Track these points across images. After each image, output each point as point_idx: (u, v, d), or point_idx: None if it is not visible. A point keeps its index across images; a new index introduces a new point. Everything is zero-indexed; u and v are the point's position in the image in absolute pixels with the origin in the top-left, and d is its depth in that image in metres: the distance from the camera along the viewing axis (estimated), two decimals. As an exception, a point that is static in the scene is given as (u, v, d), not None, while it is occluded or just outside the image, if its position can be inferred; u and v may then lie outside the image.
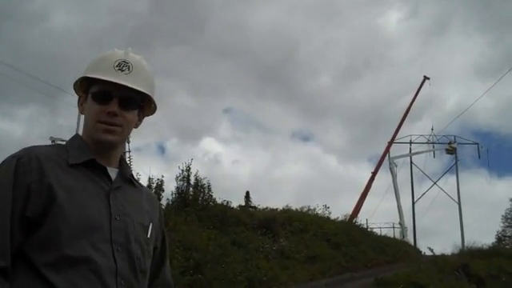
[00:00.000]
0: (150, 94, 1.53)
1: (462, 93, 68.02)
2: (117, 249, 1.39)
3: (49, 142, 14.74)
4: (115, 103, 1.45)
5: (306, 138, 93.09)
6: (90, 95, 1.48)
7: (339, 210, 41.31)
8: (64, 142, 1.57)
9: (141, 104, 1.54)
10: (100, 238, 1.36)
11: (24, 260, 1.30)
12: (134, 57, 1.53)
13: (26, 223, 1.31)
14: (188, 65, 76.26)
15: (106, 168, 1.48)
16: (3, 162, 1.39)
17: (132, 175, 1.59)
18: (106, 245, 1.37)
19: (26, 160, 1.36)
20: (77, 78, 1.51)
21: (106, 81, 1.44)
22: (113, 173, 1.50)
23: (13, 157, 1.38)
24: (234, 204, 17.40)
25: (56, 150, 1.47)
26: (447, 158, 40.55)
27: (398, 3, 78.01)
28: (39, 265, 1.29)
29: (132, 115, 1.51)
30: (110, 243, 1.38)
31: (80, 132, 1.57)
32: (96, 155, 1.47)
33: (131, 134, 1.60)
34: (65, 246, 1.30)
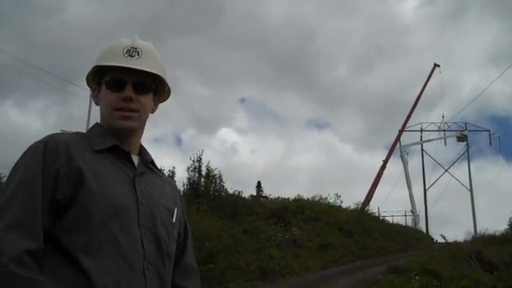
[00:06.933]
0: (161, 76, 1.54)
1: (478, 80, 67.25)
2: (144, 232, 1.39)
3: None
4: (129, 88, 1.46)
5: (321, 127, 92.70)
6: (103, 85, 1.49)
7: (354, 199, 41.05)
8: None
9: (154, 87, 1.55)
10: (128, 221, 1.37)
11: (52, 244, 1.30)
12: (142, 43, 1.54)
13: (55, 207, 1.32)
14: (204, 55, 76.32)
15: (129, 153, 1.50)
16: (30, 147, 1.39)
17: (152, 161, 1.60)
18: (135, 228, 1.38)
19: (54, 145, 1.37)
20: (88, 70, 1.53)
21: (117, 68, 1.46)
22: (134, 159, 1.51)
23: (40, 142, 1.38)
24: (246, 194, 17.49)
25: (79, 137, 1.48)
26: (459, 146, 40.28)
27: (413, -10, 76.65)
28: (68, 248, 1.29)
29: (147, 99, 1.52)
30: (138, 227, 1.38)
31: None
32: (118, 142, 1.48)
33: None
34: (94, 229, 1.30)
